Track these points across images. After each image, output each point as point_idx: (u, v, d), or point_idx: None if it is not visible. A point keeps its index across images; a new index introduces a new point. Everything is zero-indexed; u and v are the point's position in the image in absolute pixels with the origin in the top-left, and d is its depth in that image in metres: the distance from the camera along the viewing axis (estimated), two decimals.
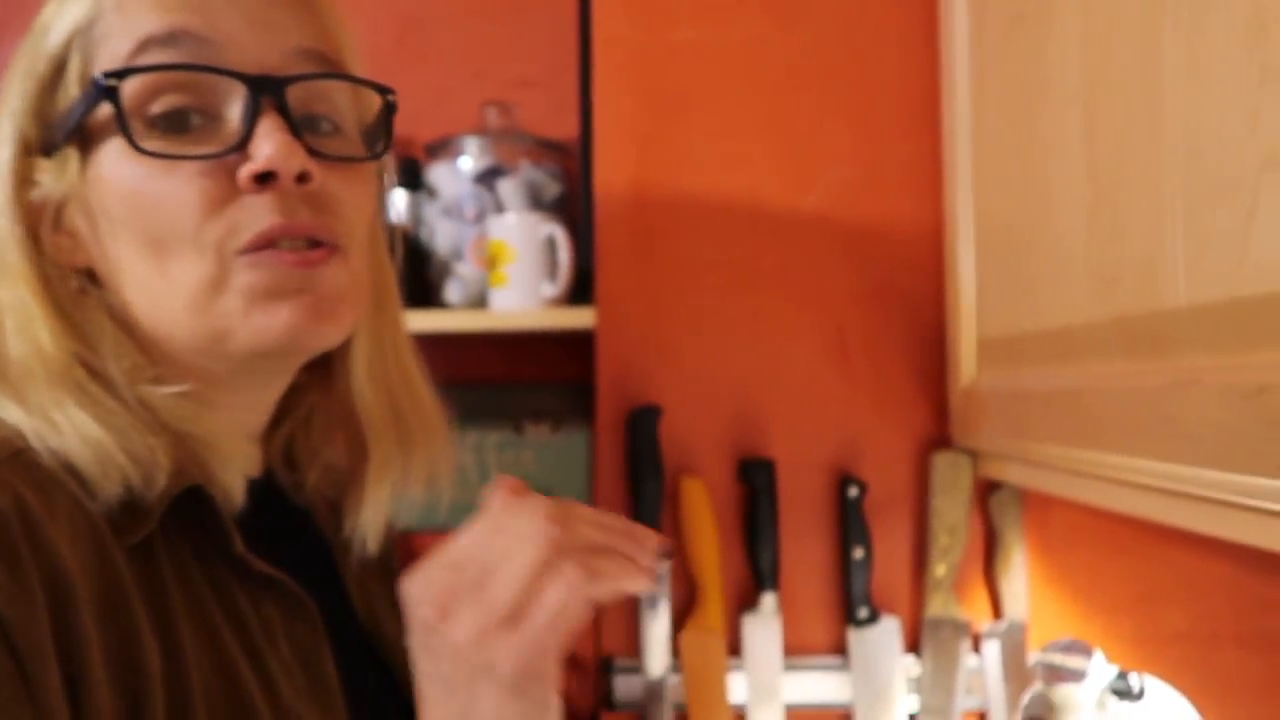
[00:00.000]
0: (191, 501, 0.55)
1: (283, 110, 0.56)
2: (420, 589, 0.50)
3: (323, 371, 0.66)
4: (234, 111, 0.56)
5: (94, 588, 0.49)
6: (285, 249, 0.56)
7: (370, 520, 0.67)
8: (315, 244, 0.57)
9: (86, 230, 0.57)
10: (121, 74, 0.54)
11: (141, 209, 0.55)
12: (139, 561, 0.52)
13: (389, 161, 0.68)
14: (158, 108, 0.55)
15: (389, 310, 0.68)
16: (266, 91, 0.55)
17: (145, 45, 0.55)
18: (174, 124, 0.55)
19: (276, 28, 0.58)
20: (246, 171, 0.55)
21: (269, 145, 0.54)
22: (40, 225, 0.57)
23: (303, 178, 0.56)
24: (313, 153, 0.56)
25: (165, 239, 0.55)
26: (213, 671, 0.53)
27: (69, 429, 0.52)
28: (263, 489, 0.65)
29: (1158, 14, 0.61)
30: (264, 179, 0.55)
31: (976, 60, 0.96)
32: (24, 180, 0.57)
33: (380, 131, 0.63)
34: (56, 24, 0.57)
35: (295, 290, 0.56)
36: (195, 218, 0.55)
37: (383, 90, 0.62)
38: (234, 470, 0.58)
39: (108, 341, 0.56)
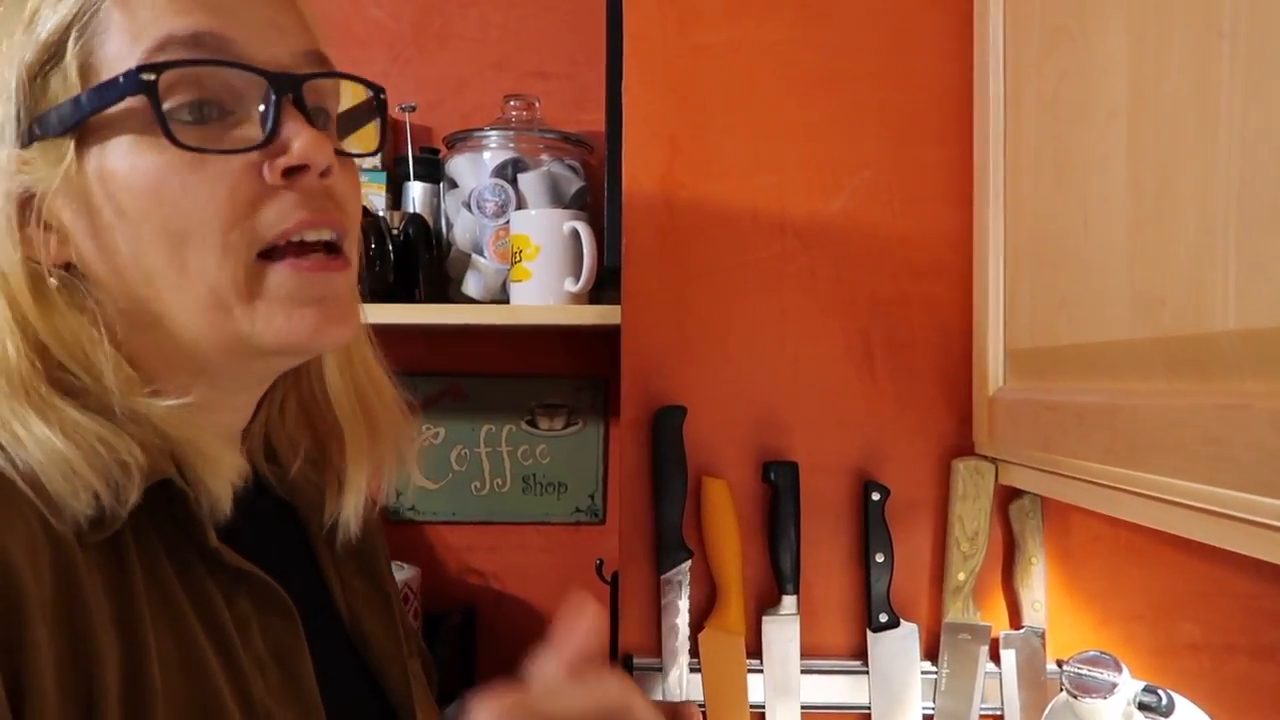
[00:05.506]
0: (164, 495, 0.55)
1: (301, 106, 0.58)
2: None
3: None
4: (248, 108, 0.57)
5: (48, 594, 0.48)
6: (307, 258, 0.58)
7: (351, 505, 0.70)
8: (332, 251, 0.59)
9: (75, 224, 0.56)
10: (160, 68, 0.54)
11: (165, 203, 0.55)
12: (105, 558, 0.52)
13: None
14: (177, 100, 0.55)
15: None
16: (288, 88, 0.57)
17: (166, 45, 0.55)
18: (196, 117, 0.56)
19: (285, 30, 0.59)
20: (281, 164, 0.56)
21: (300, 140, 0.56)
22: (18, 216, 0.56)
23: (326, 172, 0.58)
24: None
25: (187, 234, 0.55)
26: (180, 667, 0.53)
27: (33, 444, 0.51)
28: (245, 484, 0.65)
29: (1214, 39, 0.61)
30: (292, 172, 0.57)
31: (1012, 68, 0.96)
32: (4, 170, 0.56)
33: (364, 118, 0.67)
34: (46, 11, 0.55)
35: (319, 297, 0.58)
36: (223, 215, 0.55)
37: (375, 89, 0.66)
38: (224, 478, 0.58)
39: (86, 346, 0.55)
